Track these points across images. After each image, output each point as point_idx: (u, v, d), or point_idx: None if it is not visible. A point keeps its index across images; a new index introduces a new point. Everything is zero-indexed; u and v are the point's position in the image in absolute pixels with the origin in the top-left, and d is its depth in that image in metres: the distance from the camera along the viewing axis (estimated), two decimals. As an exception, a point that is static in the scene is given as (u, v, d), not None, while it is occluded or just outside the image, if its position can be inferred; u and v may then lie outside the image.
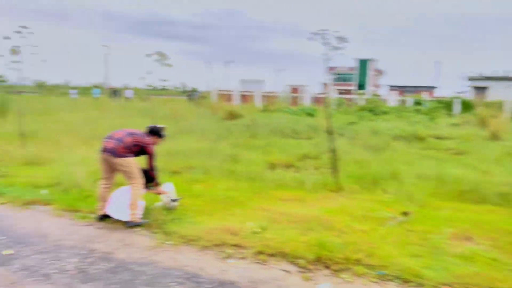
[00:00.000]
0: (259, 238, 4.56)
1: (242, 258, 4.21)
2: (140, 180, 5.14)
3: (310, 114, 21.64)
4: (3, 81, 50.31)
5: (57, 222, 5.13)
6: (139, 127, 11.37)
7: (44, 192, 6.21)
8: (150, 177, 5.37)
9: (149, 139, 5.26)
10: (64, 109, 20.41)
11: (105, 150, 5.02)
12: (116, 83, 65.72)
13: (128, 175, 5.07)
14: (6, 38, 10.01)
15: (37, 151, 9.20)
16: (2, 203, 5.79)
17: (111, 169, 5.15)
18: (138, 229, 4.94)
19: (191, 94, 37.62)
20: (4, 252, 4.12)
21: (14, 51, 9.94)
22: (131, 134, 5.15)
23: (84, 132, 12.42)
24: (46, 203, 5.84)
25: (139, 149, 5.15)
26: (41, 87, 49.63)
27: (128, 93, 37.64)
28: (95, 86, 54.32)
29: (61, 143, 10.55)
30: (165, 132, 5.60)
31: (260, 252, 4.27)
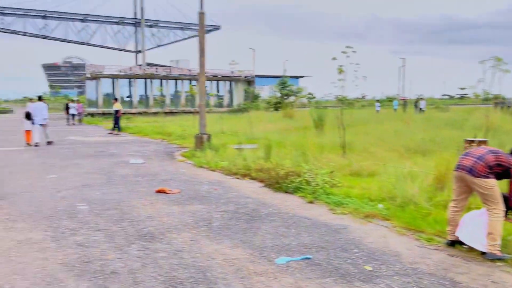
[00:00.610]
0: None
1: None
2: (501, 206, 4.37)
3: None
4: (313, 97, 57.98)
5: (402, 241, 4.95)
6: (450, 139, 10.17)
7: (380, 206, 6.24)
8: (508, 205, 4.53)
9: (515, 160, 4.43)
10: (370, 122, 21.27)
11: (461, 168, 4.51)
12: (409, 94, 64.96)
13: (486, 198, 4.40)
14: (334, 59, 10.95)
15: (359, 162, 9.62)
16: (344, 213, 6.11)
17: (466, 190, 4.60)
18: (500, 263, 4.18)
19: (502, 102, 32.80)
20: (365, 267, 4.17)
21: (341, 70, 10.76)
22: (494, 152, 4.46)
23: (396, 144, 12.37)
24: (384, 218, 5.81)
25: (502, 171, 4.39)
26: (342, 101, 54.26)
27: (422, 104, 36.67)
28: (389, 99, 55.11)
29: (377, 155, 10.74)
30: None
31: None
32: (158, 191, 7.63)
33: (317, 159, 10.31)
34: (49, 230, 5.34)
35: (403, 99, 47.32)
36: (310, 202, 6.81)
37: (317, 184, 7.32)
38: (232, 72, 48.93)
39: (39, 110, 16.30)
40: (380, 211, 6.03)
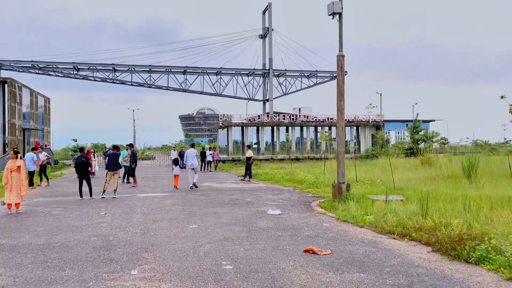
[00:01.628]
0: None
1: None
2: None
3: None
4: (446, 142, 52.84)
5: None
6: None
7: None
8: None
9: None
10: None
11: None
12: None
13: None
14: (502, 97, 9.21)
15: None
16: None
17: None
18: None
19: None
20: None
21: (514, 110, 8.94)
22: None
23: None
24: None
25: None
26: (481, 146, 48.22)
27: None
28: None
29: None
30: None
31: None
32: (306, 251, 6.70)
33: (488, 217, 8.47)
34: (196, 296, 4.73)
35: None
36: (509, 279, 5.18)
37: (513, 255, 5.65)
38: (357, 116, 47.44)
39: (191, 156, 17.81)
40: None
